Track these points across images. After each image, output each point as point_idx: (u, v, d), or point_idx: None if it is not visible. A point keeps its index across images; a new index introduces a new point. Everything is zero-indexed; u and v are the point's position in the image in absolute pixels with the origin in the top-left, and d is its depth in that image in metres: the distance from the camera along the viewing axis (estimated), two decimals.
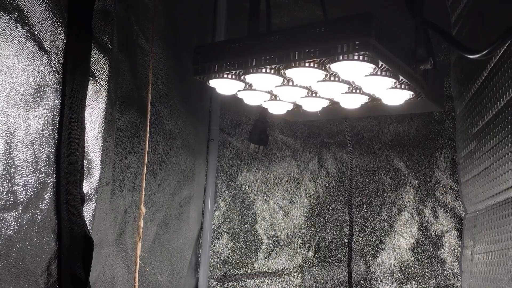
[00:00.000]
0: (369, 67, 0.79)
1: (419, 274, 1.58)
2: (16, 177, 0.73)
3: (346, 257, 1.63)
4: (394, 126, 1.70)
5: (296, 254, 1.67)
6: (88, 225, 0.90)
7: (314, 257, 1.65)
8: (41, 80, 0.78)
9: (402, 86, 0.87)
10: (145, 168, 0.99)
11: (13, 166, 0.72)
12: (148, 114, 0.99)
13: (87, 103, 0.90)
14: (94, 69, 0.93)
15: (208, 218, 1.69)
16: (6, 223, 0.70)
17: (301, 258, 1.66)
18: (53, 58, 0.81)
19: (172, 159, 1.41)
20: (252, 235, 1.70)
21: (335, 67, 0.80)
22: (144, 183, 0.98)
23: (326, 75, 0.86)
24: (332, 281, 1.62)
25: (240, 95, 1.01)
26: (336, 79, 0.87)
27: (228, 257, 1.69)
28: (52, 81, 0.80)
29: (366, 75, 0.81)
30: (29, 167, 0.75)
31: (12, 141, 0.72)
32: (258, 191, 1.74)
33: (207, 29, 1.71)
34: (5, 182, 0.70)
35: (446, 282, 1.55)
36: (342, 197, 1.69)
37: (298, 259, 1.66)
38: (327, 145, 1.74)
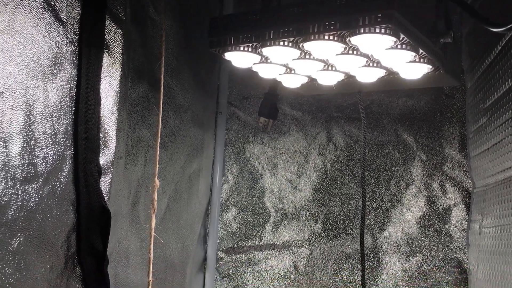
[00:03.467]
0: (390, 40, 0.78)
1: (426, 247, 1.59)
2: (36, 150, 0.72)
3: (353, 230, 1.65)
4: (403, 100, 1.69)
5: (303, 227, 1.68)
6: (105, 198, 0.91)
7: (321, 230, 1.67)
8: (58, 51, 0.77)
9: (421, 60, 0.86)
10: (158, 141, 0.98)
11: (33, 139, 0.72)
12: (162, 87, 0.98)
13: (102, 75, 0.89)
14: (108, 41, 0.92)
15: (217, 191, 1.70)
16: (27, 195, 0.70)
17: (309, 231, 1.67)
18: (69, 29, 0.80)
19: (182, 132, 1.41)
20: (260, 208, 1.71)
21: (355, 40, 0.79)
22: (157, 156, 0.98)
23: (345, 48, 0.85)
24: (339, 254, 1.64)
25: (255, 68, 1.00)
26: (355, 52, 0.86)
27: (236, 230, 1.71)
28: (68, 52, 0.80)
29: (386, 49, 0.80)
30: (48, 140, 0.75)
31: (32, 113, 0.71)
32: (266, 164, 1.74)
33: (216, 0, 1.68)
34: (25, 155, 0.70)
35: (453, 255, 1.57)
36: (350, 171, 1.69)
37: (305, 231, 1.68)
38: (335, 119, 1.73)
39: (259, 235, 1.70)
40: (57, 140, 0.77)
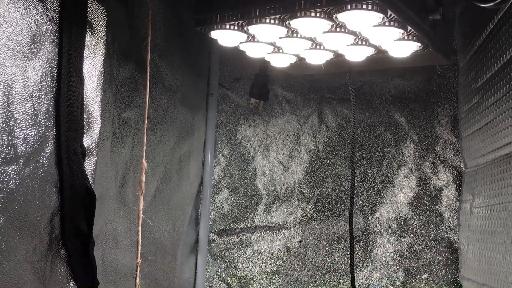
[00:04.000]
0: (377, 17, 0.76)
1: (417, 227, 1.59)
2: (16, 130, 0.71)
3: (345, 211, 1.65)
4: (395, 81, 1.68)
5: (295, 209, 1.68)
6: (89, 179, 0.90)
7: (313, 211, 1.67)
8: (38, 30, 0.75)
9: (410, 37, 0.85)
10: (146, 122, 0.97)
11: (12, 119, 0.70)
12: (148, 67, 0.97)
13: (85, 55, 0.88)
14: (91, 20, 0.90)
15: (208, 173, 1.69)
16: (7, 177, 0.69)
17: (301, 212, 1.67)
18: (49, 7, 0.78)
19: (172, 114, 1.40)
20: (252, 190, 1.71)
21: (342, 17, 0.78)
22: (145, 137, 0.97)
23: (332, 25, 0.83)
24: (331, 235, 1.64)
25: (242, 47, 0.99)
26: (343, 30, 0.84)
27: (228, 212, 1.70)
28: (49, 31, 0.78)
29: (373, 26, 0.79)
30: (28, 120, 0.74)
31: (11, 93, 0.70)
32: (258, 146, 1.73)
33: None
34: (4, 135, 0.69)
35: (444, 235, 1.57)
36: (342, 152, 1.68)
37: (297, 213, 1.68)
38: (327, 100, 1.72)
39: (251, 217, 1.69)
40: (38, 120, 0.76)
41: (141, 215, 0.91)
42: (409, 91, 1.66)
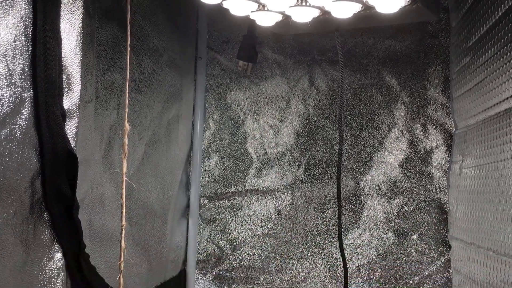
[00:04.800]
0: None
1: (407, 189, 1.60)
2: None
3: (336, 174, 1.65)
4: (387, 42, 1.65)
5: (286, 172, 1.68)
6: (71, 142, 0.88)
7: (304, 175, 1.66)
8: None
9: None
10: (128, 83, 0.95)
11: None
12: (128, 26, 0.94)
13: (61, 13, 0.85)
14: None
15: (198, 137, 1.68)
16: None
17: (291, 175, 1.67)
18: None
19: (158, 77, 1.37)
20: (243, 154, 1.70)
21: None
22: (127, 99, 0.95)
23: None
24: (321, 198, 1.65)
25: (226, 4, 0.95)
26: None
27: (218, 176, 1.70)
28: None
29: None
30: (3, 80, 0.71)
31: None
32: (248, 110, 1.71)
33: None
34: None
35: (433, 196, 1.58)
36: (333, 115, 1.67)
37: (288, 177, 1.67)
38: (318, 62, 1.69)
39: (241, 181, 1.69)
40: (13, 81, 0.73)
41: (125, 178, 0.90)
42: (400, 52, 1.64)
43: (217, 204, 1.69)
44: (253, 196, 1.68)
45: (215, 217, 1.68)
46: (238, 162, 1.70)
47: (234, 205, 1.68)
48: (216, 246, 1.67)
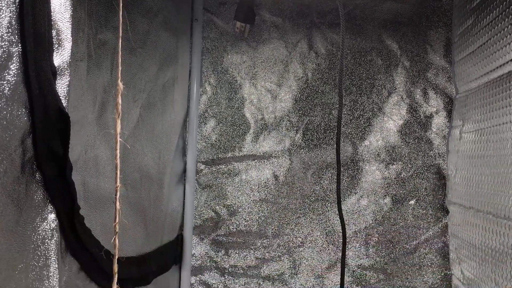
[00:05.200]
0: None
1: (406, 155, 1.58)
2: None
3: (334, 140, 1.63)
4: (388, 4, 1.61)
5: (284, 138, 1.65)
6: (63, 101, 0.85)
7: (302, 140, 1.64)
8: None
9: None
10: (120, 41, 0.91)
11: None
12: None
13: None
14: None
15: (194, 102, 1.65)
16: None
17: (289, 141, 1.65)
18: None
19: (153, 38, 1.33)
20: (240, 119, 1.67)
21: None
22: (120, 57, 0.92)
23: None
24: (319, 163, 1.63)
25: None
26: None
27: (215, 141, 1.68)
28: None
29: None
30: None
31: None
32: (245, 74, 1.68)
33: None
34: None
35: (432, 162, 1.57)
36: (332, 79, 1.64)
37: (286, 142, 1.65)
38: (317, 25, 1.65)
39: (239, 146, 1.67)
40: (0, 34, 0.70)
41: (118, 139, 0.87)
42: (402, 15, 1.60)
43: (214, 169, 1.68)
44: (250, 161, 1.67)
45: (212, 182, 1.67)
46: (235, 127, 1.67)
47: (231, 171, 1.67)
48: (213, 211, 1.67)
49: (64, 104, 0.86)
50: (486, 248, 1.10)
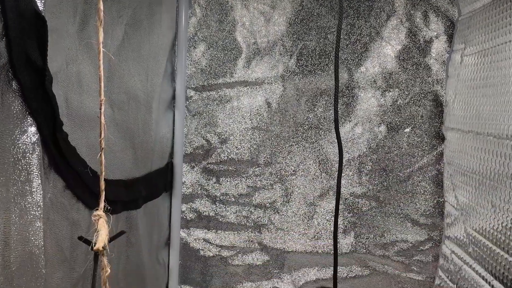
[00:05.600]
0: None
1: (403, 81, 1.53)
2: None
3: (329, 66, 1.57)
4: None
5: (277, 63, 1.59)
6: (38, 4, 0.78)
7: (295, 66, 1.58)
8: None
9: None
10: None
11: None
12: None
13: None
14: None
15: (183, 24, 1.56)
16: None
17: (283, 66, 1.58)
18: None
19: None
20: (231, 43, 1.59)
21: None
22: None
23: None
24: (313, 90, 1.58)
25: None
26: None
27: (205, 66, 1.61)
28: None
29: None
30: None
31: None
32: None
33: None
34: None
35: (430, 88, 1.52)
36: (328, 1, 1.55)
37: (279, 68, 1.59)
38: None
39: (230, 72, 1.60)
40: None
41: (101, 49, 0.81)
42: None
43: (204, 96, 1.62)
44: (242, 88, 1.61)
45: (202, 109, 1.62)
46: (226, 52, 1.60)
47: (222, 97, 1.61)
48: (203, 139, 1.62)
49: (40, 8, 0.79)
50: (485, 171, 1.08)
